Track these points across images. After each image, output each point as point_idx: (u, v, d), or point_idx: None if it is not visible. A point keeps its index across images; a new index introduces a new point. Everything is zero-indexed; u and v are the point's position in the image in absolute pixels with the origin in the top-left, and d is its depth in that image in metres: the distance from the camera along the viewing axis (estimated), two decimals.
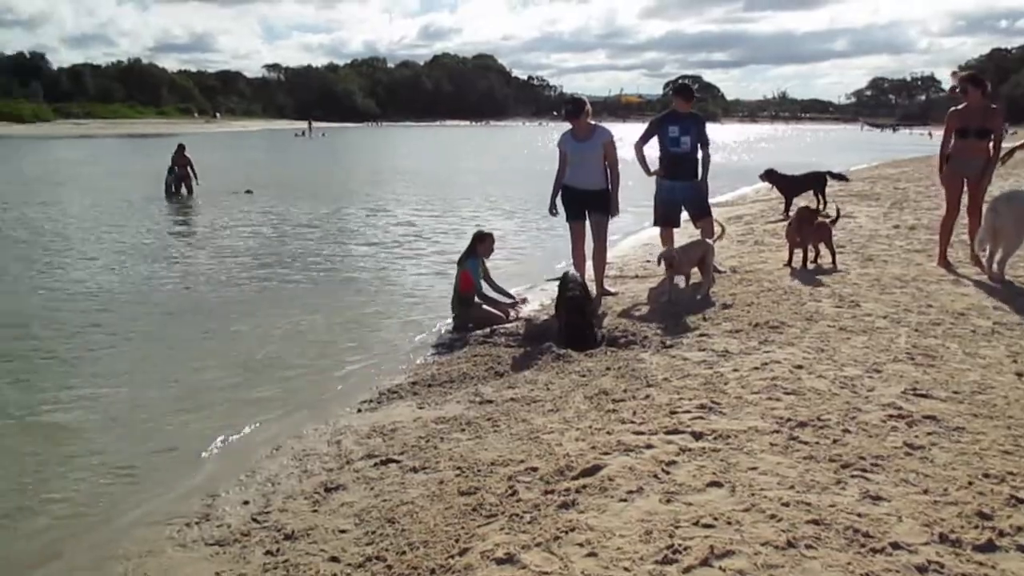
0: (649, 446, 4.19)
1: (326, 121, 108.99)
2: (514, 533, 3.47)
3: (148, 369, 6.80)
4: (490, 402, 5.34)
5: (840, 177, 17.21)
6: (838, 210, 10.21)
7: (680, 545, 3.14)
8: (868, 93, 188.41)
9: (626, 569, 3.05)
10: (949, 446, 3.98)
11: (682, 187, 8.60)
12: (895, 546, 3.05)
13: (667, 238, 8.94)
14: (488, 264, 8.16)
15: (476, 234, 8.13)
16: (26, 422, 5.62)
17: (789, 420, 4.40)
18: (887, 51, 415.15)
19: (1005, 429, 4.18)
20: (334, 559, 3.53)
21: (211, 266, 11.39)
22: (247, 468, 4.68)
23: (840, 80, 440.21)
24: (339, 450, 4.81)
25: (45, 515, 4.34)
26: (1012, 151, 9.52)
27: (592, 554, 3.21)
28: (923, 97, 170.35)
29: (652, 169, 8.71)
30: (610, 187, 7.98)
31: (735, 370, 5.40)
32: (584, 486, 3.81)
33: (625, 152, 8.23)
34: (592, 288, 7.85)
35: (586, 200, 8.01)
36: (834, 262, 8.65)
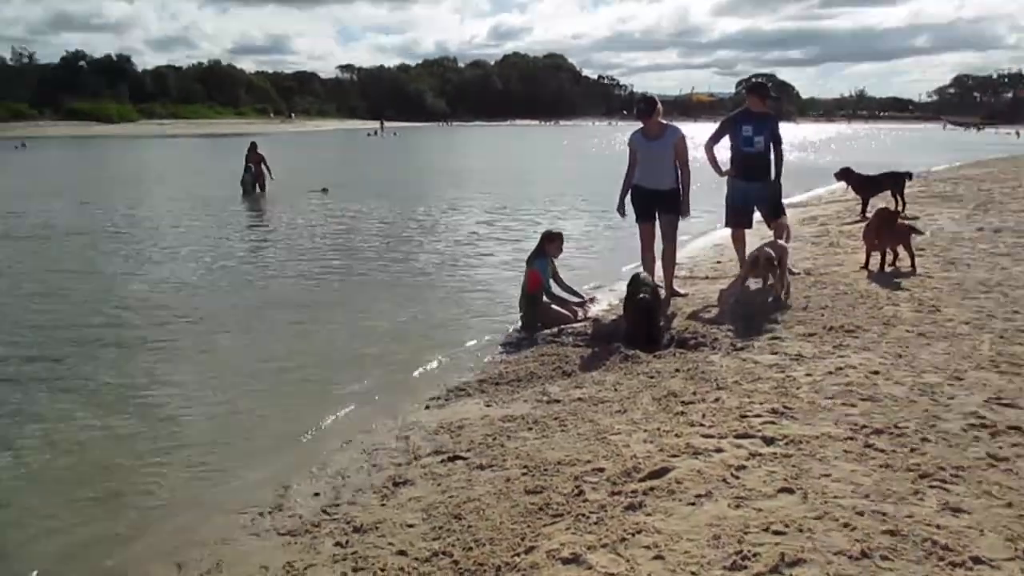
0: (718, 450, 4.14)
1: (397, 120, 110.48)
2: (580, 533, 3.47)
3: (227, 361, 7.00)
4: (557, 401, 5.33)
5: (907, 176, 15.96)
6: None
7: (749, 551, 3.09)
8: (951, 91, 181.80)
9: (693, 573, 3.02)
10: None
11: (755, 188, 8.44)
12: (976, 560, 2.95)
13: (738, 240, 8.79)
14: (557, 264, 8.15)
15: (545, 233, 8.13)
16: (115, 408, 5.84)
17: (864, 427, 4.28)
18: (972, 47, 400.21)
19: None
20: (402, 553, 3.58)
21: (287, 263, 11.66)
22: (318, 461, 4.78)
23: (921, 77, 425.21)
24: (407, 445, 4.87)
25: (132, 497, 4.51)
26: None
27: (659, 557, 3.19)
28: (1010, 95, 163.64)
29: (724, 169, 8.58)
30: (681, 187, 7.89)
31: (808, 374, 5.28)
32: (651, 488, 3.79)
33: (696, 152, 8.12)
34: (661, 289, 7.78)
35: (656, 200, 7.93)
36: (913, 266, 8.37)
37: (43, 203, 19.45)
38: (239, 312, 8.81)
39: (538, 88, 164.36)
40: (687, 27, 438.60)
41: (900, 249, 8.56)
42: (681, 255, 9.14)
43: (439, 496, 4.09)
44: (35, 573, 3.77)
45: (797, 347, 5.94)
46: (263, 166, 21.51)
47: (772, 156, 8.37)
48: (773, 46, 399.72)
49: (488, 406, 5.45)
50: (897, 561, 2.97)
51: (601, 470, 4.09)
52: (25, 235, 14.52)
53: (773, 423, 4.45)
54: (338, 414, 5.65)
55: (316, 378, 6.50)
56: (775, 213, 8.56)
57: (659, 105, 7.88)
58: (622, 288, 7.66)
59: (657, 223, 8.07)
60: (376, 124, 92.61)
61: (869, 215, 10.68)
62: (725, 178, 8.62)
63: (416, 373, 6.58)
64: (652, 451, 4.24)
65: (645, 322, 6.68)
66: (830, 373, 5.26)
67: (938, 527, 3.19)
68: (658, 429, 4.56)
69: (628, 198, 8.11)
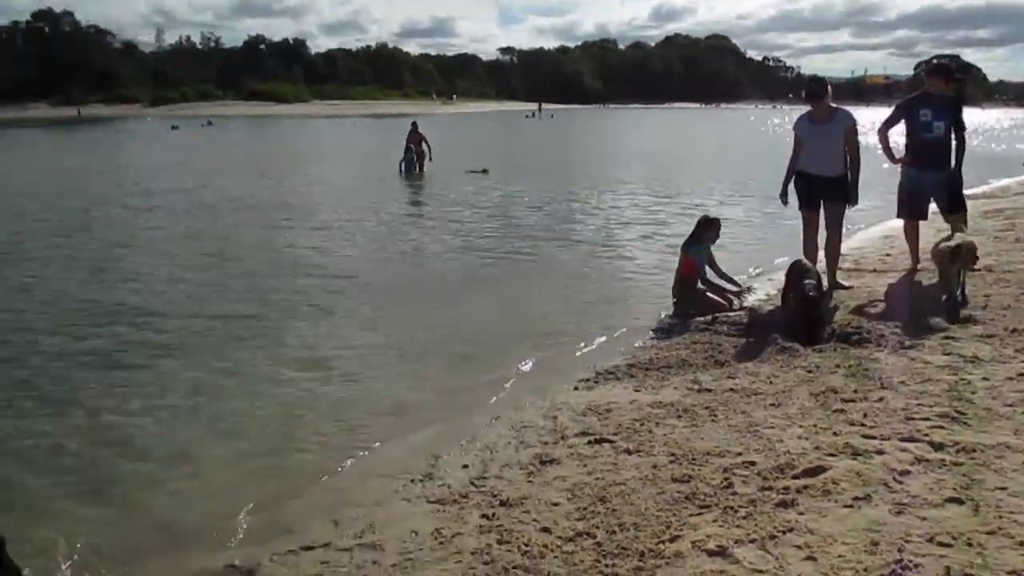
0: (880, 452, 3.93)
1: (555, 103, 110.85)
2: (727, 526, 3.40)
3: (383, 333, 7.29)
4: (708, 391, 5.22)
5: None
6: None
7: (911, 561, 2.93)
8: None
9: None
10: None
11: (932, 177, 7.86)
12: None
13: (911, 232, 8.25)
14: (713, 250, 7.95)
15: (702, 219, 7.94)
16: (273, 375, 6.24)
17: None
18: None
19: None
20: (545, 530, 3.62)
21: (443, 240, 12.01)
22: (468, 434, 4.90)
23: None
24: (555, 425, 4.91)
25: (296, 456, 4.80)
26: None
27: (811, 558, 3.07)
28: None
29: (897, 157, 8.05)
30: (849, 174, 7.49)
31: (985, 379, 4.91)
32: (805, 486, 3.65)
33: (868, 137, 7.66)
34: (824, 281, 7.43)
35: (822, 187, 7.57)
36: None
37: (226, 177, 20.92)
38: (400, 286, 9.17)
39: (699, 70, 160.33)
40: (862, 5, 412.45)
41: None
42: (846, 246, 8.69)
43: (585, 477, 4.11)
44: (214, 520, 4.08)
45: (973, 349, 5.52)
46: (424, 146, 22.16)
47: (953, 143, 7.77)
48: (957, 25, 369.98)
49: (637, 391, 5.40)
50: None
51: (752, 464, 3.98)
52: (209, 205, 15.69)
53: (943, 428, 4.17)
54: (488, 390, 5.76)
55: (468, 353, 6.66)
56: (954, 205, 7.96)
57: (829, 87, 7.50)
58: (781, 278, 7.38)
59: (822, 211, 7.71)
60: (534, 106, 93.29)
61: None
62: (899, 166, 8.09)
63: (566, 354, 6.61)
64: (807, 448, 4.08)
65: (806, 313, 6.40)
66: (1010, 379, 4.87)
67: None
68: (815, 426, 4.38)
69: (792, 184, 7.79)
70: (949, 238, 7.13)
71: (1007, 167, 19.41)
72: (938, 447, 3.94)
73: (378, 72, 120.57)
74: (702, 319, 7.20)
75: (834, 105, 7.53)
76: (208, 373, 6.26)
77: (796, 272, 6.78)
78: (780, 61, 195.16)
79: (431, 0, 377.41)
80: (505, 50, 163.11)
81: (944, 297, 6.86)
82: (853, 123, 7.43)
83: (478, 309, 8.11)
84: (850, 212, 7.78)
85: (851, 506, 3.42)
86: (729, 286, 7.88)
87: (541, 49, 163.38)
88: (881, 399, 4.67)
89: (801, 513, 3.42)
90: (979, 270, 7.90)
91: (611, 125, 61.45)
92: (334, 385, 5.98)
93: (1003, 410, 4.37)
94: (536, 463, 4.36)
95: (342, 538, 3.72)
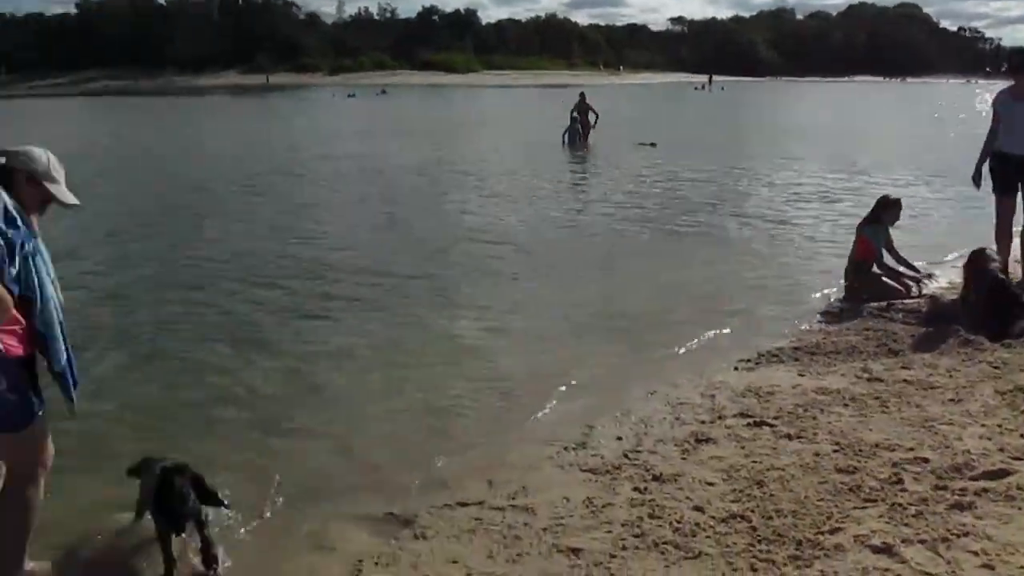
0: None
1: (726, 75, 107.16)
2: (895, 524, 3.23)
3: (544, 303, 7.36)
4: (879, 380, 4.95)
5: None
6: None
7: None
8: None
9: None
10: None
11: None
12: None
13: None
14: (892, 232, 7.47)
15: (882, 199, 7.48)
16: (438, 336, 6.44)
17: None
18: None
19: None
20: (698, 508, 3.57)
21: (607, 212, 11.94)
22: (622, 407, 4.88)
23: None
24: (712, 404, 4.81)
25: (454, 415, 4.94)
26: None
27: (987, 566, 2.88)
28: None
29: None
30: None
31: None
32: (985, 489, 3.41)
33: None
34: (1018, 271, 6.84)
35: (1022, 170, 6.94)
36: None
37: (398, 144, 21.71)
38: (562, 256, 9.25)
39: (884, 41, 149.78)
40: None
41: None
42: None
43: (741, 459, 4.01)
44: (376, 470, 4.29)
45: None
46: (590, 115, 21.99)
47: None
48: None
49: (801, 375, 5.20)
50: None
51: (925, 460, 3.75)
52: (381, 170, 16.38)
53: None
54: (644, 364, 5.70)
55: (624, 327, 6.61)
56: None
57: None
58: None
59: (1020, 197, 7.07)
60: (704, 78, 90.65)
61: None
62: None
63: (726, 332, 6.42)
64: (990, 449, 3.80)
65: (999, 302, 5.89)
66: None
67: None
68: (999, 426, 4.07)
69: (987, 166, 7.19)
70: None
71: None
72: None
73: (546, 42, 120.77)
74: (876, 305, 6.80)
75: None
76: (381, 328, 6.59)
77: (977, 262, 6.26)
78: (978, 32, 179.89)
79: None
80: (676, 20, 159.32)
81: None
82: None
83: (639, 282, 8.03)
84: None
85: None
86: (908, 271, 7.38)
87: (713, 19, 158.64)
88: None
89: (979, 517, 3.20)
90: None
91: (786, 98, 58.71)
92: (493, 350, 6.10)
93: None
94: (691, 441, 4.29)
95: (495, 498, 3.81)
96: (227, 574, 3.26)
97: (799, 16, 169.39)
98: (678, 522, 3.46)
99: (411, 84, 79.70)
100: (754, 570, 3.08)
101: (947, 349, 5.50)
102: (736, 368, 5.51)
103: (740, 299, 7.37)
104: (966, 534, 3.09)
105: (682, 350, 6.05)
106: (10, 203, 2.89)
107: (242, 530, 3.60)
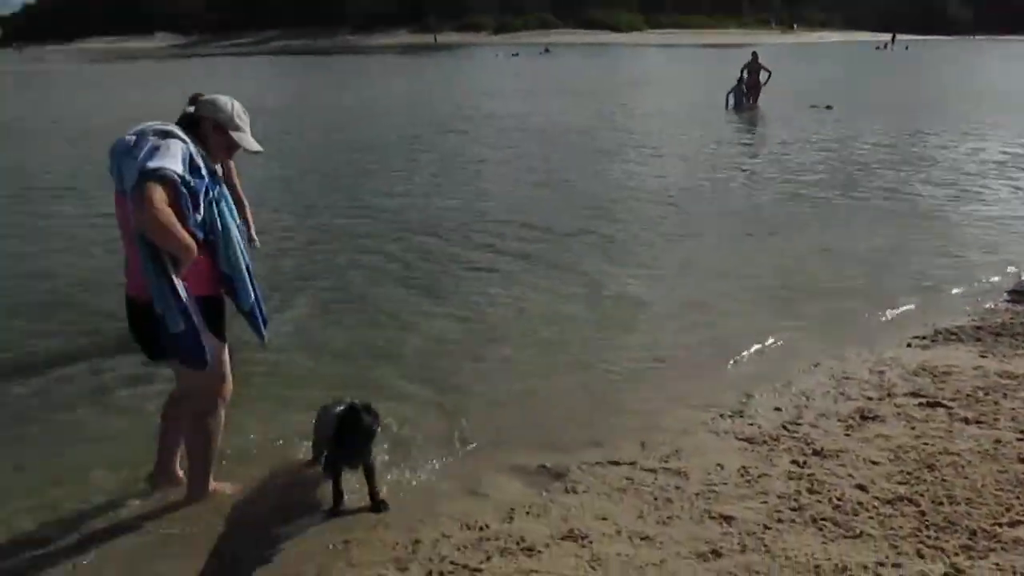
0: None
1: (911, 33, 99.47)
2: None
3: (702, 265, 7.19)
4: None
5: None
6: None
7: None
8: None
9: None
10: None
11: None
12: None
13: None
14: None
15: None
16: (602, 295, 6.42)
17: None
18: None
19: None
20: (861, 487, 3.42)
21: (772, 176, 11.45)
22: (782, 377, 4.72)
23: None
24: (881, 381, 4.57)
25: (608, 374, 4.93)
26: None
27: None
28: None
29: None
30: None
31: None
32: None
33: None
34: None
35: None
36: None
37: (560, 103, 21.69)
38: (725, 218, 9.03)
39: None
40: None
41: None
42: None
43: (911, 440, 3.80)
44: (528, 423, 4.37)
45: None
46: (762, 75, 20.91)
47: None
48: None
49: (983, 356, 4.85)
50: None
51: None
52: (542, 129, 16.44)
53: None
54: (807, 336, 5.45)
55: (787, 295, 6.33)
56: None
57: None
58: None
59: None
60: (886, 37, 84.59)
61: None
62: None
63: (899, 307, 6.04)
64: None
65: None
66: None
67: None
68: None
69: None
70: None
71: None
72: None
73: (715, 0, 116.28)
74: None
75: None
76: (546, 283, 6.68)
77: None
78: None
79: None
80: None
81: None
82: None
83: (805, 249, 7.67)
84: None
85: None
86: None
87: None
88: None
89: None
90: None
91: (980, 59, 53.88)
92: (655, 310, 6.04)
93: None
94: (856, 417, 4.11)
95: (648, 459, 3.80)
96: (385, 511, 3.42)
97: None
98: (838, 499, 3.33)
99: (574, 43, 79.05)
100: (920, 556, 2.93)
101: None
102: (909, 345, 5.20)
103: (917, 272, 6.91)
104: None
105: (850, 323, 5.75)
106: (195, 151, 3.07)
107: (401, 471, 3.77)
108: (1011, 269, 6.89)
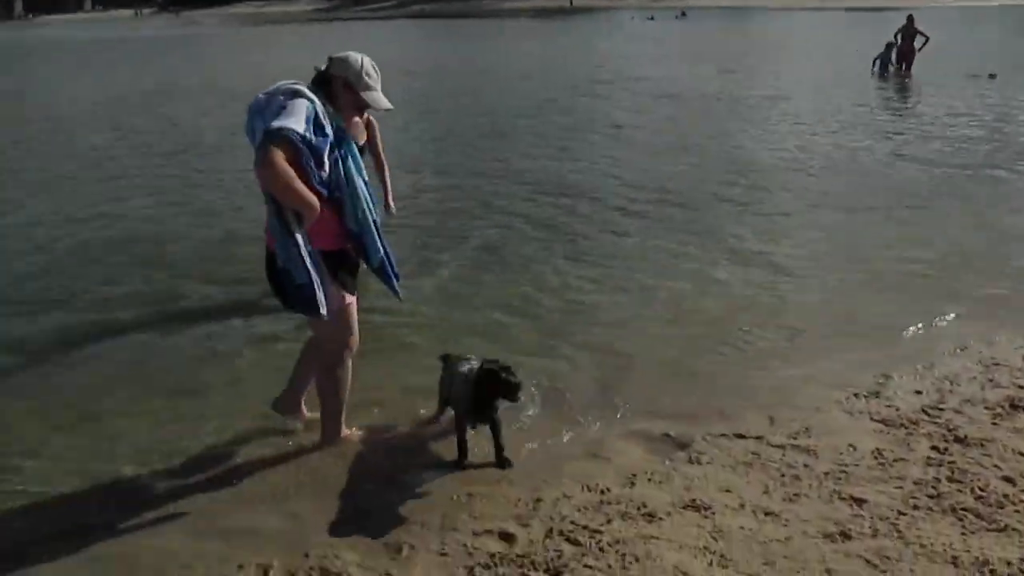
0: None
1: None
2: None
3: (835, 243, 6.86)
4: None
5: None
6: None
7: None
8: None
9: None
10: None
11: None
12: None
13: None
14: None
15: None
16: (740, 263, 6.27)
17: None
18: None
19: None
20: (1008, 480, 3.25)
21: (926, 148, 10.70)
22: (925, 359, 4.50)
23: None
24: None
25: (734, 346, 4.80)
26: None
27: None
28: None
29: None
30: None
31: None
32: None
33: None
34: None
35: None
36: None
37: (693, 69, 21.11)
38: (864, 187, 8.70)
39: None
40: None
41: None
42: None
43: None
44: (651, 391, 4.34)
45: None
46: (917, 41, 19.46)
47: None
48: None
49: None
50: None
51: None
52: (673, 95, 16.06)
53: None
54: (952, 317, 5.13)
55: (931, 273, 5.98)
56: None
57: None
58: None
59: None
60: None
61: None
62: None
63: None
64: None
65: None
66: None
67: None
68: None
69: None
70: None
71: None
72: None
73: None
74: None
75: None
76: (684, 248, 6.66)
77: None
78: None
79: None
80: None
81: None
82: None
83: (959, 225, 7.21)
84: None
85: None
86: None
87: None
88: None
89: None
90: None
91: None
92: (791, 281, 5.88)
93: None
94: (1006, 406, 3.88)
95: (775, 435, 3.71)
96: (509, 468, 3.49)
97: None
98: (982, 490, 3.17)
99: (713, 6, 76.39)
100: None
101: None
102: None
103: None
104: None
105: (1003, 306, 5.38)
106: (321, 111, 3.12)
107: (525, 429, 3.82)
108: None
